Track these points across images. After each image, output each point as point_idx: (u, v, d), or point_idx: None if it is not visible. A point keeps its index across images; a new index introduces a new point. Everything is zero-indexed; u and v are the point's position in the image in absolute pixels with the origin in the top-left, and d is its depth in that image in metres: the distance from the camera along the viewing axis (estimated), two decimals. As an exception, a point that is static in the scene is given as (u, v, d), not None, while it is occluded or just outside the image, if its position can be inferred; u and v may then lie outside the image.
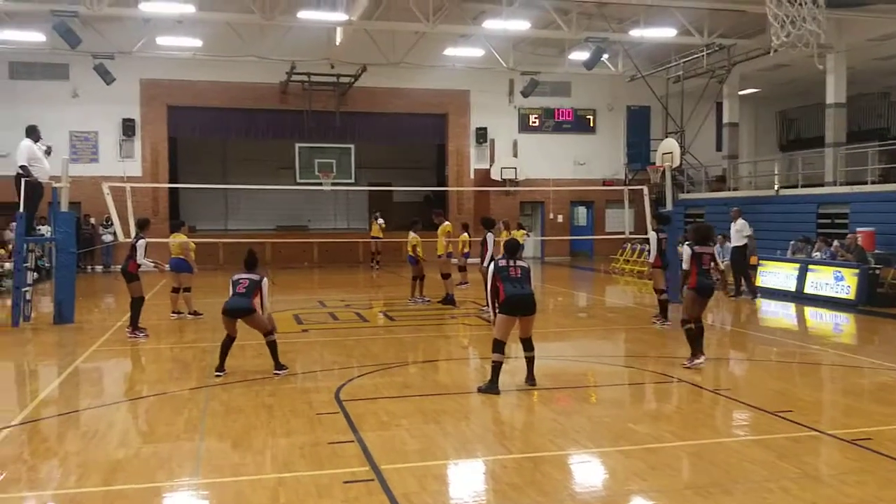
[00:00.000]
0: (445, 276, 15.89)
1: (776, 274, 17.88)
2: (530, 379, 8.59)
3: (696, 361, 9.46)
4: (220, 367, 9.24)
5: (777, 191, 23.21)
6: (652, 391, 9.12)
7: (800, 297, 16.74)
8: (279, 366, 9.32)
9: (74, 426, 7.40)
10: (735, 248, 17.00)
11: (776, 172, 24.47)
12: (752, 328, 13.71)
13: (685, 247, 9.86)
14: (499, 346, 8.30)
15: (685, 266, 9.67)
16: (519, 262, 8.61)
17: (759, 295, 16.83)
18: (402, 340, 12.22)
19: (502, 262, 8.55)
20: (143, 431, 7.29)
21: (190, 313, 14.15)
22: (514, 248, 8.80)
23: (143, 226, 12.79)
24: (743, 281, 16.93)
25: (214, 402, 8.00)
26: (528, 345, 8.61)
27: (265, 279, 9.26)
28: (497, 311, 8.51)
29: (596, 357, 10.90)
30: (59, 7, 19.52)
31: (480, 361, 10.15)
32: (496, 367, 8.29)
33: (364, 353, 10.85)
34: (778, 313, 15.65)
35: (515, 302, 8.33)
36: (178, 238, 14.30)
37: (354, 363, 10.13)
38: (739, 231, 16.95)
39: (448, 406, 7.87)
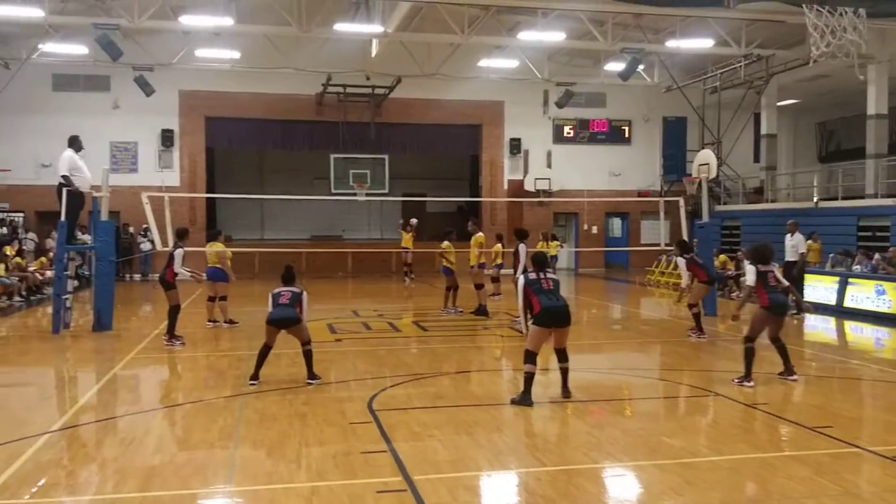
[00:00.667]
0: (478, 287, 15.87)
1: (815, 287, 17.57)
2: (565, 390, 8.54)
3: (747, 384, 9.18)
4: (255, 376, 9.32)
5: (816, 203, 22.84)
6: (687, 404, 9.01)
7: (840, 311, 16.43)
8: (312, 375, 9.39)
9: (112, 432, 7.51)
10: (787, 262, 16.21)
11: (815, 184, 24.09)
12: (790, 342, 13.39)
13: (748, 266, 9.70)
14: (531, 357, 8.27)
15: (750, 283, 9.50)
16: (550, 275, 8.57)
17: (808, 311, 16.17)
18: (434, 351, 12.22)
19: (533, 276, 8.52)
20: (178, 438, 7.36)
21: (226, 322, 14.29)
22: (542, 261, 8.77)
23: (181, 235, 12.90)
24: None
25: (249, 410, 8.07)
26: (562, 356, 8.56)
27: (304, 292, 9.45)
28: (531, 322, 8.48)
29: (630, 370, 10.80)
30: (101, 20, 19.93)
31: (513, 373, 10.10)
32: (528, 379, 8.26)
33: (397, 362, 10.87)
34: (817, 327, 15.37)
35: (551, 314, 8.29)
36: (215, 247, 14.47)
37: (387, 373, 10.15)
38: (795, 246, 16.32)
39: (481, 417, 7.85)
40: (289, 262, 10.04)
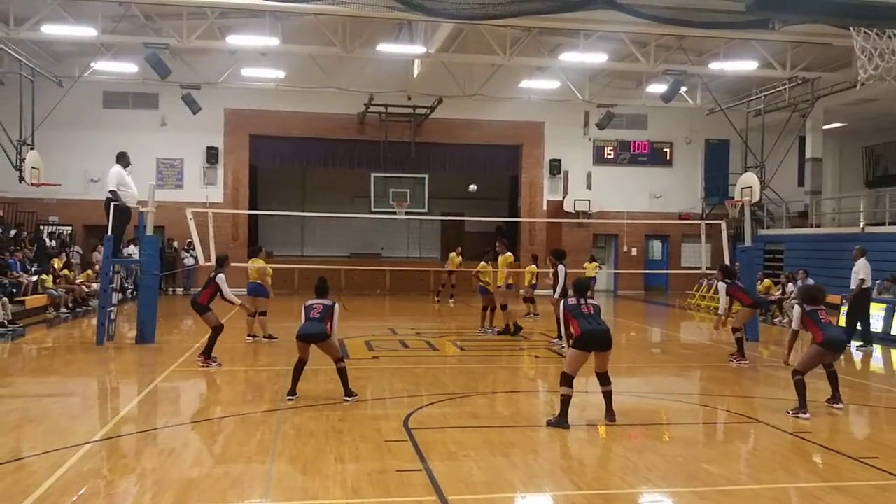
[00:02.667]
0: (503, 308, 15.83)
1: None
2: (609, 414, 8.43)
3: (802, 415, 8.81)
4: (292, 391, 9.37)
5: (863, 228, 22.39)
6: (728, 431, 8.84)
7: (887, 339, 16.03)
8: (349, 392, 9.40)
9: (152, 444, 7.61)
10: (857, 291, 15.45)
11: (862, 209, 23.63)
12: (838, 369, 13.15)
13: (795, 307, 9.53)
14: (567, 380, 8.20)
15: (795, 327, 9.31)
16: (590, 301, 8.51)
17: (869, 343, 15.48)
18: (471, 370, 12.19)
19: (572, 301, 8.47)
20: (216, 452, 7.43)
21: (265, 337, 14.42)
22: (584, 288, 8.70)
23: (221, 262, 12.51)
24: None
25: (286, 426, 8.12)
26: (604, 379, 8.48)
27: (336, 305, 9.45)
28: (570, 345, 8.42)
29: (670, 394, 10.65)
30: (151, 40, 20.43)
31: (549, 394, 10.03)
32: (565, 402, 8.19)
33: (433, 381, 10.86)
34: (863, 355, 15.00)
35: (591, 337, 8.23)
36: (257, 263, 14.64)
37: (423, 391, 10.15)
38: (857, 273, 15.41)
39: (516, 438, 7.80)
40: (322, 275, 10.04)
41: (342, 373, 9.46)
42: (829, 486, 6.47)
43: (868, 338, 15.38)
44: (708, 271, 18.69)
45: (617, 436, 8.04)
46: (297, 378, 9.42)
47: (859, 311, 15.56)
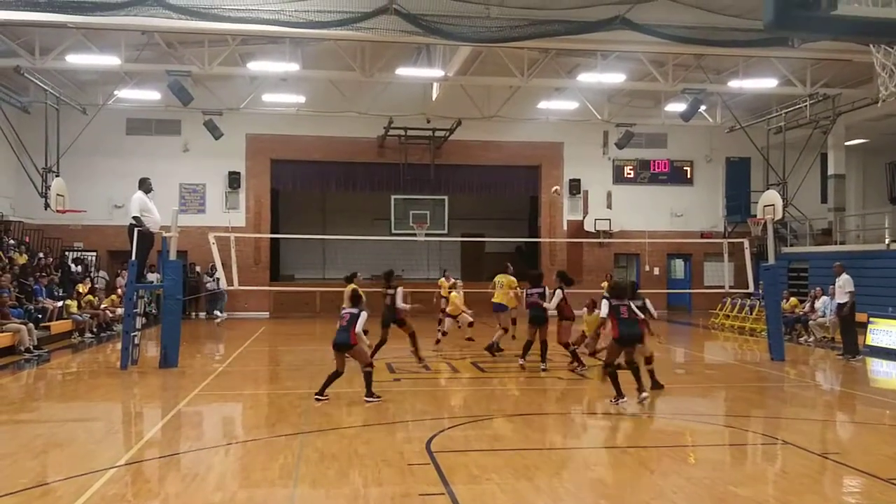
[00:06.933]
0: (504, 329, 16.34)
1: (888, 332, 16.93)
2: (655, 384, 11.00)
3: (621, 402, 10.20)
4: (321, 392, 10.25)
5: (888, 245, 22.14)
6: (754, 452, 8.73)
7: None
8: (370, 394, 10.15)
9: (175, 468, 7.63)
10: (839, 304, 15.94)
11: (887, 226, 23.37)
12: (861, 389, 12.99)
13: (604, 301, 10.60)
14: (610, 366, 10.39)
15: (602, 315, 10.59)
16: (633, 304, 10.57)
17: (860, 356, 15.74)
18: (493, 392, 12.13)
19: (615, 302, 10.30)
20: (239, 476, 7.43)
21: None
22: (622, 291, 10.51)
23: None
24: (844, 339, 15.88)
25: (308, 449, 8.12)
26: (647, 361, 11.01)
27: (363, 312, 10.27)
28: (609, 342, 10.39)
29: (695, 415, 10.53)
30: (174, 67, 20.74)
31: (572, 416, 9.96)
32: (614, 379, 10.21)
33: (455, 403, 10.83)
34: (891, 374, 14.79)
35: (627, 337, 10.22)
36: (352, 288, 14.76)
37: (445, 414, 10.12)
38: (842, 287, 15.77)
39: (540, 461, 7.74)
40: (356, 288, 10.86)
41: (367, 376, 10.26)
42: (859, 509, 6.35)
43: (855, 350, 15.70)
44: (731, 290, 18.55)
45: (642, 458, 7.95)
46: (329, 383, 10.33)
47: (851, 325, 15.82)
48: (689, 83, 22.96)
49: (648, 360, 11.64)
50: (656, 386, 11.37)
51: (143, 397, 11.91)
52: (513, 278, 17.21)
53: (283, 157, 27.79)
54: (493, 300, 17.01)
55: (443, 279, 19.72)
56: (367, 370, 10.24)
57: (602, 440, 8.35)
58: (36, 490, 6.69)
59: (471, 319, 17.87)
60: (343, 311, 10.45)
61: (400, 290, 13.93)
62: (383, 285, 14.24)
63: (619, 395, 10.25)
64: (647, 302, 11.92)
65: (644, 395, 10.40)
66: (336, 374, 10.28)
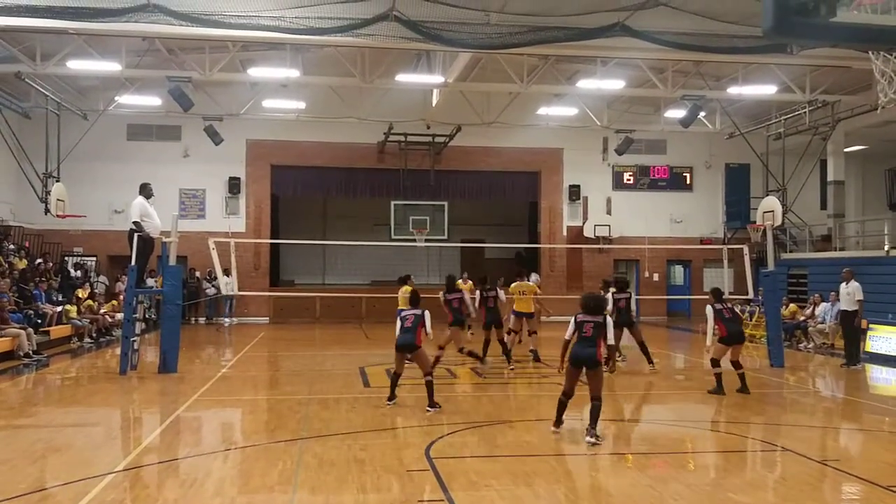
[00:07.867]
0: (508, 332, 16.14)
1: (888, 339, 16.94)
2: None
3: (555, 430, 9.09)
4: (391, 396, 10.53)
5: (888, 251, 22.14)
6: (754, 459, 8.72)
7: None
8: (432, 403, 10.22)
9: (174, 474, 7.62)
10: (844, 312, 15.78)
11: (886, 232, 23.37)
12: (861, 396, 12.98)
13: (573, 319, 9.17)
14: (715, 363, 11.70)
15: (567, 336, 9.11)
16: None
17: (859, 363, 15.68)
18: (492, 398, 12.12)
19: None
20: (238, 481, 7.42)
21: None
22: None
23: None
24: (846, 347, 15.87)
25: (308, 455, 8.11)
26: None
27: (427, 312, 10.45)
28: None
29: (694, 422, 10.53)
30: (174, 73, 20.77)
31: (571, 422, 9.94)
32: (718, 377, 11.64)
33: (454, 409, 10.80)
34: (890, 381, 14.79)
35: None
36: (406, 290, 14.80)
37: (444, 420, 10.10)
38: (851, 294, 15.54)
39: (539, 468, 7.73)
40: (415, 288, 10.87)
41: (429, 385, 10.36)
42: (858, 516, 6.35)
43: (857, 358, 15.61)
44: (731, 296, 18.49)
45: (642, 464, 7.95)
46: (394, 386, 10.64)
47: (855, 331, 15.69)
48: (688, 90, 23.00)
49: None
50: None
51: (142, 402, 11.90)
52: (533, 284, 16.99)
53: (284, 162, 27.80)
54: (514, 308, 16.70)
55: (460, 281, 19.62)
56: (428, 378, 10.31)
57: (602, 446, 8.34)
58: (34, 495, 6.69)
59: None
60: (404, 313, 10.51)
61: (501, 291, 14.65)
62: (482, 288, 14.73)
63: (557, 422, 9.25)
64: (609, 319, 10.74)
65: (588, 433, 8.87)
66: (396, 377, 10.53)
